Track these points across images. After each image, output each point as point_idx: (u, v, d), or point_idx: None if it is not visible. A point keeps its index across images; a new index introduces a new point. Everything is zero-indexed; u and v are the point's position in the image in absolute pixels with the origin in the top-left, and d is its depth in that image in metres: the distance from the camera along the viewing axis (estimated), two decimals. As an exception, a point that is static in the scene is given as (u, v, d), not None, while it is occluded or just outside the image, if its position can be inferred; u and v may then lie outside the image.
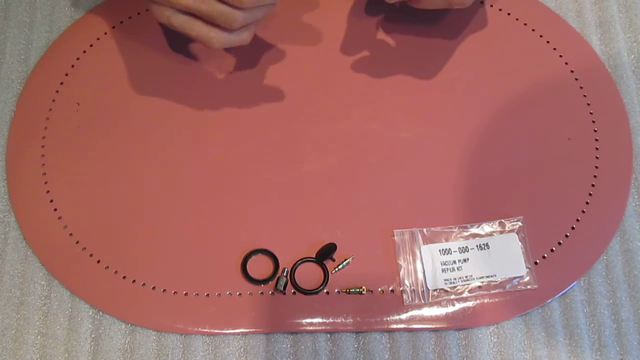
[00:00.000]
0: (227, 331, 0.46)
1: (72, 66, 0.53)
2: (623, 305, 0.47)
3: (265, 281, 0.46)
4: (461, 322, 0.46)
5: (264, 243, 0.47)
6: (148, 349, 0.46)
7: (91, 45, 0.54)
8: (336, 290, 0.46)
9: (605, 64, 0.54)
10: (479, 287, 0.46)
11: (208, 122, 0.51)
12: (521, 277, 0.46)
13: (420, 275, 0.46)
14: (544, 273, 0.47)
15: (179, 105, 0.52)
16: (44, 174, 0.50)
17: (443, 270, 0.46)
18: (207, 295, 0.46)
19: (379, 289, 0.46)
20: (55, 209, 0.49)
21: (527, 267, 0.47)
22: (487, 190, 0.49)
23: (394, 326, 0.45)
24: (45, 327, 0.46)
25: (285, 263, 0.47)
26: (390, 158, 0.50)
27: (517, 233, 0.47)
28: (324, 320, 0.46)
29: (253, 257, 0.47)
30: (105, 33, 0.54)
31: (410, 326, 0.45)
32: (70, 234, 0.48)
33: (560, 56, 0.53)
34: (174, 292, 0.46)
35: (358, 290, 0.46)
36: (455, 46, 0.54)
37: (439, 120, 0.51)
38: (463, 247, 0.47)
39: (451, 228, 0.48)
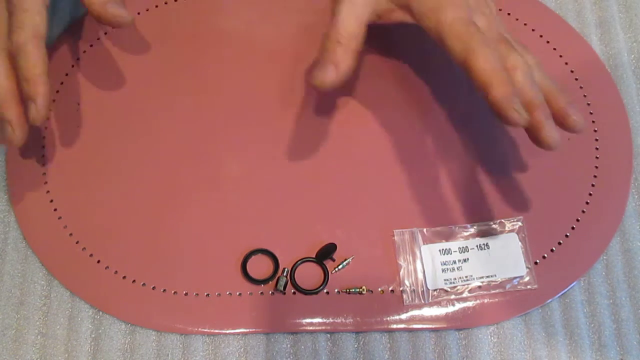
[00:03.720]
0: (227, 331, 0.46)
1: (72, 66, 0.53)
2: (623, 305, 0.47)
3: (265, 281, 0.46)
4: (461, 322, 0.46)
5: (264, 243, 0.47)
6: (148, 349, 0.46)
7: (91, 45, 0.54)
8: (336, 290, 0.46)
9: (605, 64, 0.54)
10: (479, 287, 0.46)
11: (208, 122, 0.51)
12: (521, 277, 0.46)
13: (420, 275, 0.46)
14: (544, 273, 0.47)
15: (179, 105, 0.52)
16: (44, 174, 0.50)
17: (443, 270, 0.46)
18: (207, 295, 0.46)
19: (379, 289, 0.46)
20: (55, 209, 0.49)
21: (527, 267, 0.47)
22: (487, 190, 0.49)
23: (394, 326, 0.45)
24: (45, 327, 0.46)
25: (285, 263, 0.47)
26: (390, 158, 0.50)
27: (517, 233, 0.47)
28: (324, 320, 0.46)
29: (253, 257, 0.47)
30: (106, 33, 0.54)
31: (410, 326, 0.45)
32: (70, 234, 0.48)
33: (560, 56, 0.53)
34: (174, 292, 0.46)
35: (358, 290, 0.46)
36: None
37: (439, 120, 0.51)
38: (463, 247, 0.47)
39: (451, 228, 0.48)
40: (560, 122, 0.43)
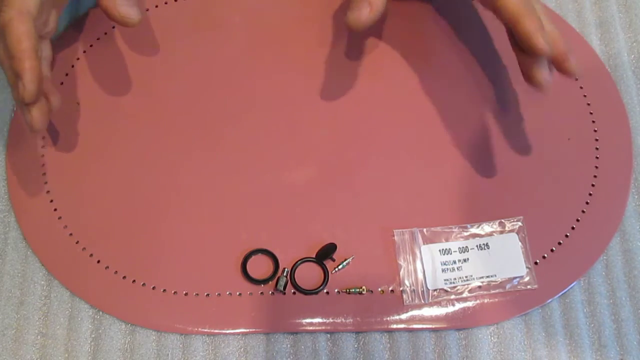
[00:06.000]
0: (227, 331, 0.46)
1: (72, 66, 0.53)
2: (623, 305, 0.47)
3: (265, 281, 0.46)
4: (461, 322, 0.46)
5: (264, 243, 0.47)
6: (148, 349, 0.46)
7: (91, 46, 0.54)
8: (336, 290, 0.46)
9: (605, 64, 0.54)
10: (479, 287, 0.46)
11: (208, 122, 0.51)
12: (521, 277, 0.46)
13: (420, 275, 0.46)
14: (544, 273, 0.47)
15: (179, 105, 0.52)
16: (44, 174, 0.50)
17: (443, 270, 0.46)
18: (207, 295, 0.46)
19: (379, 289, 0.46)
20: (55, 209, 0.49)
21: (527, 267, 0.47)
22: (487, 190, 0.49)
23: (394, 326, 0.45)
24: (45, 327, 0.46)
25: (285, 263, 0.47)
26: (390, 158, 0.50)
27: (517, 233, 0.47)
28: (324, 320, 0.46)
29: (253, 257, 0.47)
30: (106, 33, 0.54)
31: (410, 326, 0.45)
32: (70, 234, 0.48)
33: (560, 56, 0.53)
34: (174, 292, 0.46)
35: (358, 290, 0.46)
36: (455, 46, 0.54)
37: (439, 120, 0.51)
38: (463, 247, 0.47)
39: (451, 228, 0.48)
40: (559, 65, 0.45)
